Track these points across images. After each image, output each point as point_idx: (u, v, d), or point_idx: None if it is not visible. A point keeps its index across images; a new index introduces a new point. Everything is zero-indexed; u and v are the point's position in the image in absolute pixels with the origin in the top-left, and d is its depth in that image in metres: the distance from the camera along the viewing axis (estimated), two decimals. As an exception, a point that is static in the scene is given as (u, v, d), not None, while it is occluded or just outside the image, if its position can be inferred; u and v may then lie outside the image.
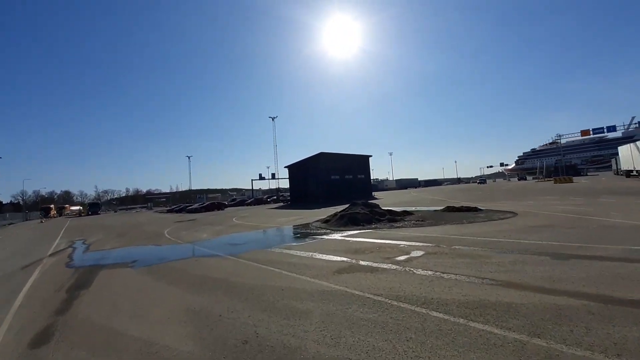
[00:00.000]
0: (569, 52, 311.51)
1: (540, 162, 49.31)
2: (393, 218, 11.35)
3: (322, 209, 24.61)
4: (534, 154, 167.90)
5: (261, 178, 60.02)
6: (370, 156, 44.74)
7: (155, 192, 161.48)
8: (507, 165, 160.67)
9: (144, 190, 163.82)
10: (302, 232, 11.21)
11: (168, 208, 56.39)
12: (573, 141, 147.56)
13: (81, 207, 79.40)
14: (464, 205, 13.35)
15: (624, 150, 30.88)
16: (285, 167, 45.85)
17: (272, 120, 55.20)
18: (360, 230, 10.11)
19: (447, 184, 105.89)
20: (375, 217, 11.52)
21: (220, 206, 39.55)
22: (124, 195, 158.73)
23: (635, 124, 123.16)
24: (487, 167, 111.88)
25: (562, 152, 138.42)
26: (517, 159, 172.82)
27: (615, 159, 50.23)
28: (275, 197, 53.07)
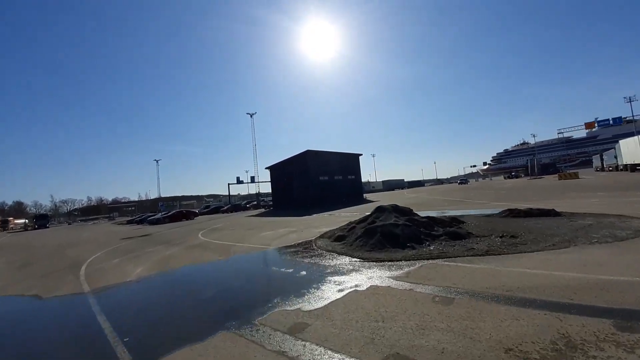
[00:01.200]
0: (534, 60, 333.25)
1: (530, 160, 47.94)
2: (455, 232, 6.93)
3: (314, 215, 19.93)
4: (506, 154, 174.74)
5: (239, 182, 54.11)
6: (361, 155, 40.86)
7: (123, 200, 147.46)
8: (489, 163, 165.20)
9: (110, 199, 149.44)
10: (307, 265, 6.44)
11: (129, 218, 48.93)
12: (542, 141, 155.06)
13: (26, 220, 68.56)
14: (533, 209, 9.31)
15: (629, 144, 29.25)
16: (266, 168, 40.68)
17: (251, 117, 49.80)
18: (415, 260, 5.59)
19: (430, 185, 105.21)
20: (423, 232, 7.07)
21: (189, 215, 33.53)
22: (85, 204, 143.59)
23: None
24: (471, 166, 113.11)
25: (544, 150, 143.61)
26: (491, 159, 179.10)
27: (601, 155, 50.31)
28: (255, 203, 47.52)
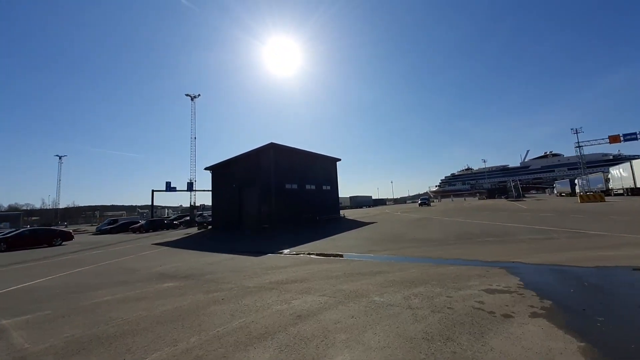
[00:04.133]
0: (465, 98, 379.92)
1: (514, 181, 44.72)
2: None
3: (286, 251, 9.29)
4: (453, 177, 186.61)
5: (170, 189, 39.73)
6: (339, 160, 31.57)
7: (24, 207, 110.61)
8: (437, 185, 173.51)
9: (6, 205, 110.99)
10: None
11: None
12: (483, 168, 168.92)
13: None
14: None
15: (636, 165, 25.65)
16: (206, 169, 28.29)
17: (192, 100, 36.97)
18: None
19: (389, 204, 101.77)
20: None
21: (52, 238, 19.20)
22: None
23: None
24: (436, 185, 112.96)
25: (485, 176, 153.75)
26: (440, 181, 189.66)
27: (571, 181, 49.94)
28: (187, 219, 33.90)
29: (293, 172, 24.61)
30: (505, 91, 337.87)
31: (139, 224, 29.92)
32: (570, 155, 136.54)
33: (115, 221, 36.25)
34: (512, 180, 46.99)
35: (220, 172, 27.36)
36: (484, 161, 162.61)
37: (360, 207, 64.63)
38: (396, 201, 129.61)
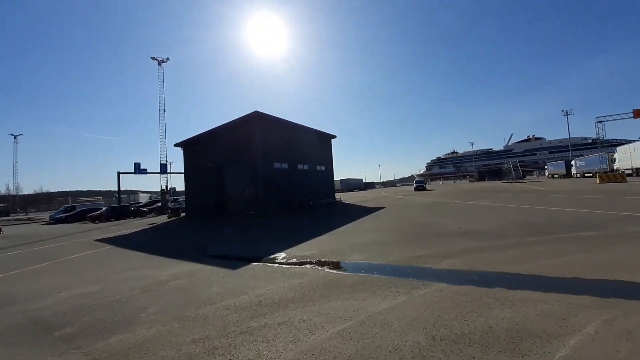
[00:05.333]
0: (456, 82, 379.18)
1: (513, 162, 42.85)
2: None
3: (281, 255, 5.67)
4: (439, 161, 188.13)
5: (139, 171, 34.61)
6: (334, 137, 27.77)
7: None
8: (425, 168, 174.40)
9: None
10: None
11: None
12: (469, 152, 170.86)
13: None
14: None
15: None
16: (176, 145, 23.72)
17: (159, 64, 31.07)
18: None
19: (378, 187, 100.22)
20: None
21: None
22: None
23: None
24: (420, 169, 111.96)
25: (471, 159, 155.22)
26: (426, 165, 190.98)
27: (567, 162, 48.76)
28: (159, 205, 29.40)
29: (283, 149, 20.70)
30: (490, 78, 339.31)
31: (98, 212, 25.28)
32: (552, 139, 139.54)
33: (72, 208, 31.20)
34: (512, 161, 45.09)
35: (195, 150, 22.96)
36: (472, 144, 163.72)
37: (351, 191, 61.88)
38: (384, 184, 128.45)
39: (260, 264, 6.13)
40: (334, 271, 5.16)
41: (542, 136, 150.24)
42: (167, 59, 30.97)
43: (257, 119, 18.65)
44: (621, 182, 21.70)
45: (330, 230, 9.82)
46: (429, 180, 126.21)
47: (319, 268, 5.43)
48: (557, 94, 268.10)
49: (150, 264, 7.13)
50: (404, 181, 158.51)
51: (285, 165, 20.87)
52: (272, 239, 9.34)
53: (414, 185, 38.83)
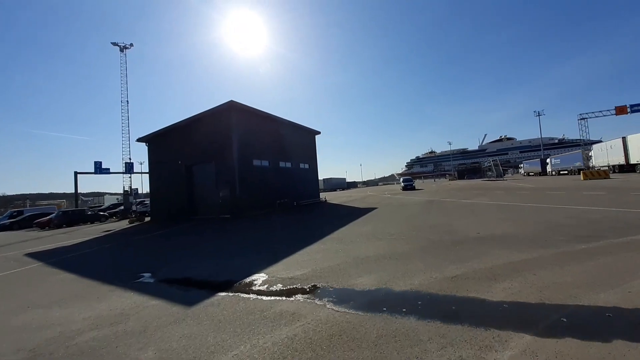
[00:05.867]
0: (433, 82, 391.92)
1: (494, 161, 43.38)
2: None
3: (260, 279, 3.86)
4: (418, 160, 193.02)
5: (100, 170, 30.86)
6: (319, 133, 26.06)
7: None
8: (404, 167, 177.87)
9: None
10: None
11: None
12: (446, 151, 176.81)
13: None
14: None
15: (632, 140, 24.42)
16: (139, 140, 20.88)
17: (121, 51, 27.47)
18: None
19: (360, 186, 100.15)
20: None
21: None
22: None
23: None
24: (402, 168, 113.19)
25: (448, 158, 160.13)
26: (405, 164, 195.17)
27: (542, 161, 50.32)
28: (122, 209, 26.05)
29: (263, 145, 18.70)
30: (465, 78, 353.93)
31: (47, 218, 21.79)
32: (522, 139, 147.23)
33: (19, 213, 27.08)
34: (492, 160, 45.78)
35: (161, 145, 20.31)
36: (450, 143, 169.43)
37: (334, 190, 60.49)
38: (366, 184, 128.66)
39: (231, 294, 4.27)
40: (342, 309, 3.43)
41: (513, 136, 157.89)
42: (131, 44, 27.59)
43: (233, 109, 16.49)
44: (604, 178, 21.91)
45: (323, 237, 8.09)
46: (422, 177, 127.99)
47: (317, 302, 3.67)
48: (527, 95, 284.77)
49: (73, 294, 5.02)
50: (385, 180, 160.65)
51: (265, 163, 18.85)
52: (249, 251, 7.45)
53: (402, 184, 34.37)
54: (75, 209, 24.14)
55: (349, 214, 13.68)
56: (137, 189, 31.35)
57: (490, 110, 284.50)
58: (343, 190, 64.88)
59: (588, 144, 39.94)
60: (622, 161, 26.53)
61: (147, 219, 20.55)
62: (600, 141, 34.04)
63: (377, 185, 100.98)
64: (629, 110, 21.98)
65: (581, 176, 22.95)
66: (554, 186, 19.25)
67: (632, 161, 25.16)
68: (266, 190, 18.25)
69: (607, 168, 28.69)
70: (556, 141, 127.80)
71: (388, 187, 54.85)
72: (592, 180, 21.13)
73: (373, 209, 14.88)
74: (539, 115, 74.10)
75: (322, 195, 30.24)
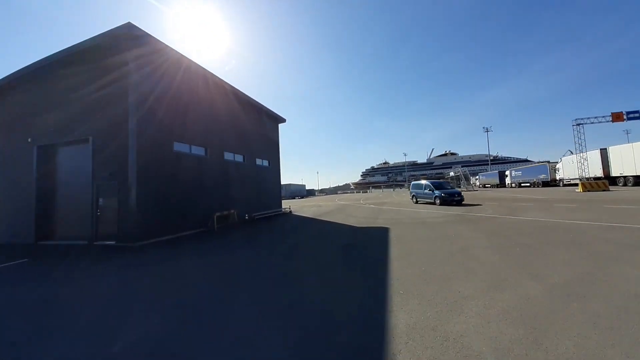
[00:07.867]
0: (384, 99, 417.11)
1: (464, 171, 41.61)
2: None
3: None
4: (373, 170, 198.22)
5: None
6: (284, 121, 19.31)
7: None
8: (360, 177, 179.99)
9: None
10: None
11: None
12: (398, 162, 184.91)
13: None
14: None
15: (614, 152, 23.50)
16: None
17: None
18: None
19: (319, 194, 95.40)
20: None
21: None
22: None
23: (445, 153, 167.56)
24: (360, 177, 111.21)
25: (402, 169, 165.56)
26: (361, 174, 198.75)
27: (501, 174, 51.00)
28: None
29: (195, 121, 11.24)
30: (411, 100, 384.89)
31: None
32: (463, 155, 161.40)
33: None
34: (461, 168, 44.44)
35: None
36: (405, 154, 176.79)
37: (293, 198, 53.69)
38: (324, 192, 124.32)
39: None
40: None
41: (456, 151, 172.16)
42: None
43: (132, 44, 8.85)
44: (604, 190, 19.74)
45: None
46: (370, 187, 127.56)
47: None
48: (466, 115, 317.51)
49: None
50: (342, 189, 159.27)
51: (199, 151, 11.39)
52: None
53: (431, 193, 17.60)
54: None
55: (348, 237, 7.18)
56: None
57: (434, 127, 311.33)
58: (302, 198, 58.33)
59: (519, 161, 40.74)
60: (599, 173, 25.62)
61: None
62: (519, 160, 34.05)
63: (336, 193, 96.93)
64: (625, 117, 20.51)
65: (579, 188, 20.59)
66: (566, 198, 15.76)
67: (614, 173, 24.20)
68: (197, 195, 10.82)
69: (578, 181, 27.78)
70: (492, 157, 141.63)
71: (353, 196, 50.12)
72: (595, 192, 18.64)
73: (384, 228, 8.64)
74: (487, 132, 79.14)
75: (284, 204, 23.25)
